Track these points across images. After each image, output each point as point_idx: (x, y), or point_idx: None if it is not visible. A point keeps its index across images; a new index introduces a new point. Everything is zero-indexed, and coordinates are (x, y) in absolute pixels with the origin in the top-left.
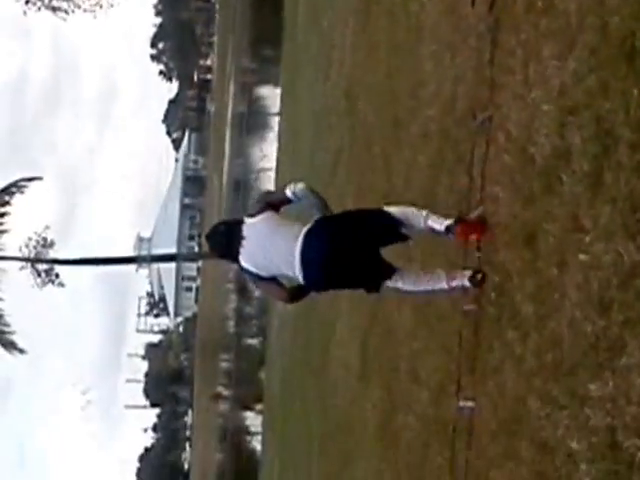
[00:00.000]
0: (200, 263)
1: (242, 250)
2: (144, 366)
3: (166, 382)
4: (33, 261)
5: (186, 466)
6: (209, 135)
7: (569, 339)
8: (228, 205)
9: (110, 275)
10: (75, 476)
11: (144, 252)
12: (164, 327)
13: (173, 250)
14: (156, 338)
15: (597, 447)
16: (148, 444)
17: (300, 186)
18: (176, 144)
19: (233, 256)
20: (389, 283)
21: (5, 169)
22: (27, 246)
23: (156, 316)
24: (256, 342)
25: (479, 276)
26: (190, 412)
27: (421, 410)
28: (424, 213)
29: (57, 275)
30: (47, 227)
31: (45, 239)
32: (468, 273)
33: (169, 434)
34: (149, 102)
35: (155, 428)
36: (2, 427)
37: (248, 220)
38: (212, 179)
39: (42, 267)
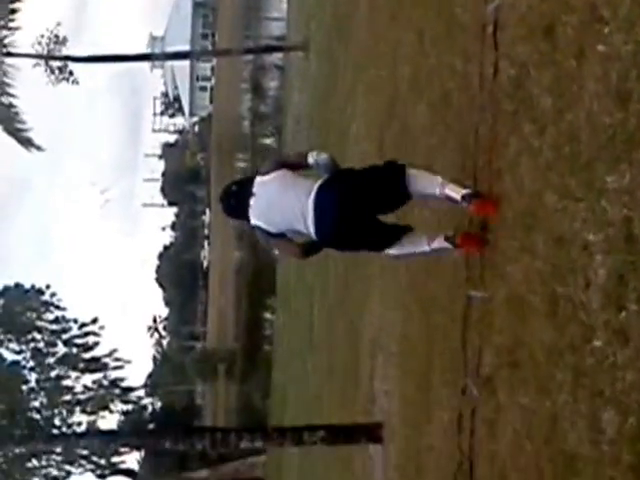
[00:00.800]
0: (214, 62)
1: (252, 206)
2: (161, 166)
3: (183, 181)
4: (46, 58)
5: (205, 264)
6: None
7: (587, 132)
8: (242, 3)
9: (124, 75)
10: (96, 272)
11: (157, 51)
12: (180, 127)
13: (186, 49)
14: (172, 138)
15: (613, 239)
16: (167, 242)
17: (324, 156)
18: None
19: (244, 214)
20: (390, 251)
21: None
22: (39, 43)
23: (171, 116)
24: (271, 141)
25: (452, 237)
26: (207, 211)
27: (437, 205)
28: (439, 180)
29: (71, 72)
30: (59, 24)
31: (57, 36)
32: (444, 234)
33: (187, 232)
34: None
35: (173, 226)
36: (23, 224)
37: (260, 178)
38: None
39: (56, 64)
